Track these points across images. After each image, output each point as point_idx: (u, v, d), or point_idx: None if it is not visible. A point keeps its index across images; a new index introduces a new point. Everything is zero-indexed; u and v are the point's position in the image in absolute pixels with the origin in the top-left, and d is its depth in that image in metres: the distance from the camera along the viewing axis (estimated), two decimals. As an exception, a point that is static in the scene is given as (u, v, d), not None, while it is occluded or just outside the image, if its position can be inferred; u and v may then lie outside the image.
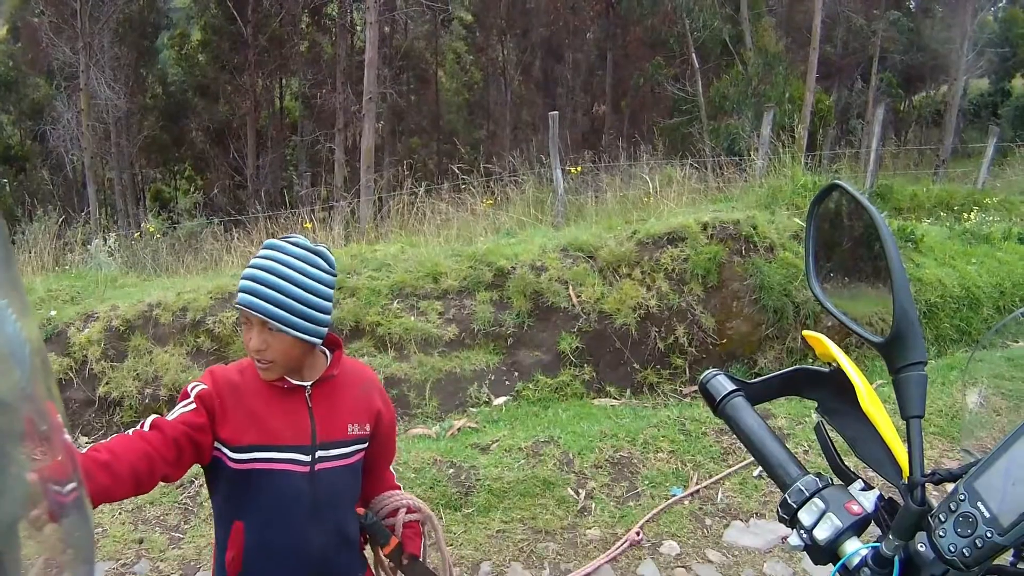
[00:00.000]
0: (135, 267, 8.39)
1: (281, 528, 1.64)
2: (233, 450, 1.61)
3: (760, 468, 1.09)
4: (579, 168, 10.18)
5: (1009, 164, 15.36)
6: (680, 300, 5.52)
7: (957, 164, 20.04)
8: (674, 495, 3.96)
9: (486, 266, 5.63)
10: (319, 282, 1.62)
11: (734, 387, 0.99)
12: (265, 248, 1.63)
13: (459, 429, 4.68)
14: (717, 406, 1.00)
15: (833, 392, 0.97)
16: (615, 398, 5.25)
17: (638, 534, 3.64)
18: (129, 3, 21.25)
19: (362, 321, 5.30)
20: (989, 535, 0.74)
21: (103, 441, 1.46)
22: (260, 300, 1.56)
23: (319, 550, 1.68)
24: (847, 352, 0.98)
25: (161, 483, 1.54)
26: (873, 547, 0.83)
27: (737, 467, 4.17)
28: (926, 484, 0.82)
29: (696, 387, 5.21)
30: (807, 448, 4.20)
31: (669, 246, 5.71)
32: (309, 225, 8.84)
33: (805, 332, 1.07)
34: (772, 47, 19.17)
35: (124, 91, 19.22)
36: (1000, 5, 33.84)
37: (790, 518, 0.88)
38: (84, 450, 1.41)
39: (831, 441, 0.95)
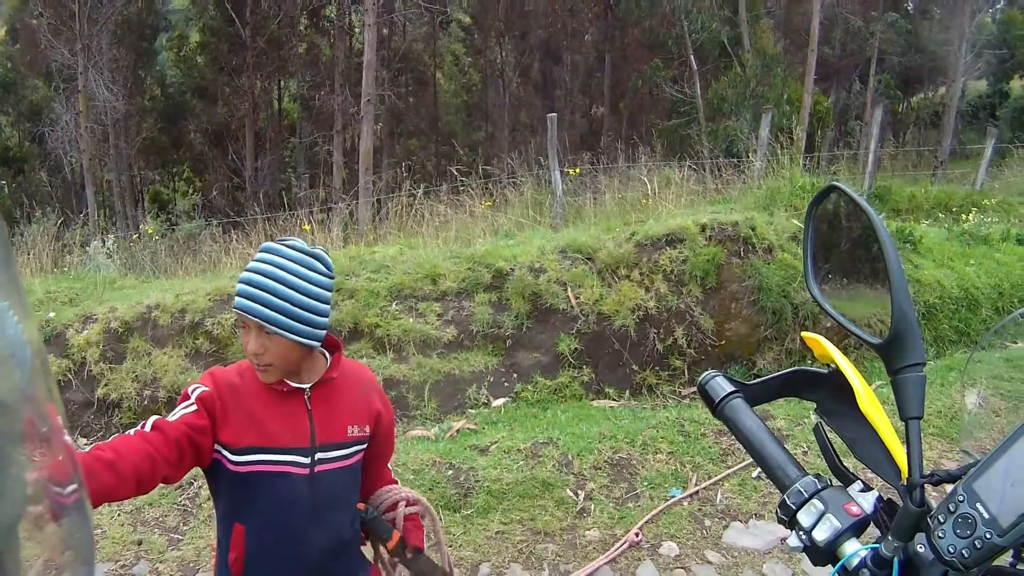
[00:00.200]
0: (134, 269, 8.39)
1: (282, 530, 1.64)
2: (233, 453, 1.61)
3: (759, 469, 1.09)
4: (577, 170, 10.18)
5: (1007, 165, 15.39)
6: (679, 301, 5.52)
7: (955, 165, 20.07)
8: (673, 496, 3.96)
9: (485, 268, 5.63)
10: (316, 285, 1.62)
11: (733, 388, 0.99)
12: (262, 252, 1.63)
13: (458, 430, 4.68)
14: (716, 407, 1.00)
15: (832, 393, 0.98)
16: (614, 399, 5.25)
17: (637, 535, 3.64)
18: (127, 5, 21.24)
19: (361, 323, 5.30)
20: (988, 536, 0.74)
21: (105, 441, 1.46)
22: (257, 304, 1.56)
23: (320, 551, 1.68)
24: (846, 353, 0.98)
25: (160, 484, 1.54)
26: (872, 548, 0.83)
27: (736, 468, 4.17)
28: (925, 485, 0.83)
29: (695, 388, 5.21)
30: (806, 449, 4.20)
31: (668, 247, 5.71)
32: (308, 227, 8.84)
33: (804, 333, 1.07)
34: (770, 49, 19.20)
35: (123, 93, 19.21)
36: (998, 7, 33.91)
37: (789, 519, 0.88)
38: (84, 451, 1.41)
39: (830, 442, 0.95)
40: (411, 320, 5.34)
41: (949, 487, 0.83)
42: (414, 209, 8.88)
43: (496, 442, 4.33)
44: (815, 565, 0.87)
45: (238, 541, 1.65)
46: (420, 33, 25.96)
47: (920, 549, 0.79)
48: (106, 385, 5.15)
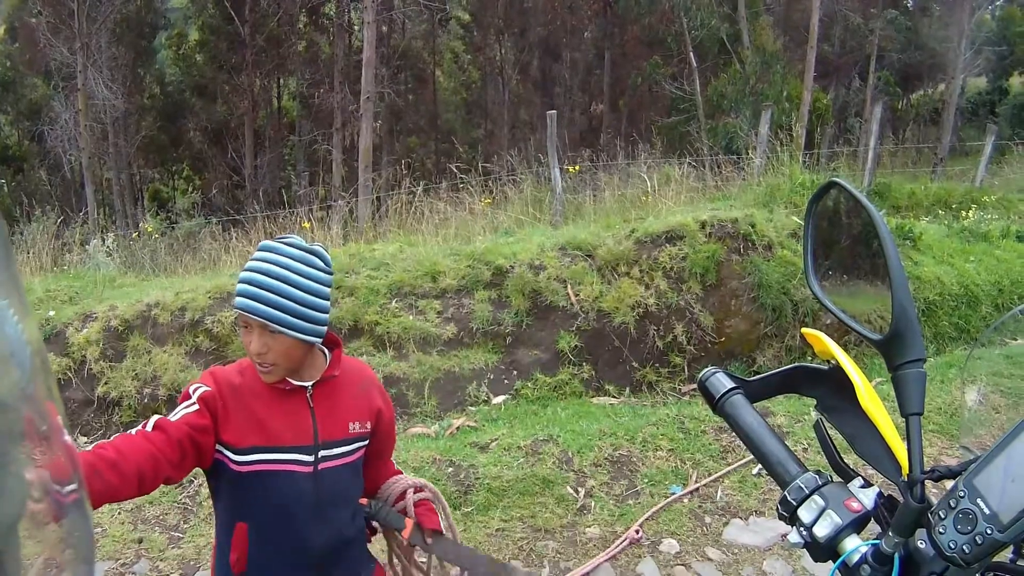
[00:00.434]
0: (133, 267, 8.38)
1: (285, 528, 1.64)
2: (236, 453, 1.60)
3: (759, 466, 1.10)
4: (577, 167, 10.18)
5: (1007, 162, 15.38)
6: (679, 299, 5.52)
7: (955, 162, 20.04)
8: (673, 493, 3.96)
9: (484, 265, 5.63)
10: (317, 282, 1.61)
11: (733, 385, 1.00)
12: (261, 250, 1.62)
13: (458, 428, 4.68)
14: (716, 404, 1.00)
15: (832, 390, 0.98)
16: (614, 396, 5.25)
17: (637, 532, 3.64)
18: (127, 3, 21.21)
19: (361, 320, 5.30)
20: (989, 532, 0.74)
21: (107, 440, 1.45)
22: (259, 303, 1.55)
23: (323, 549, 1.68)
24: (846, 350, 0.98)
25: (162, 484, 1.54)
26: (873, 544, 0.83)
27: (736, 465, 4.18)
28: (925, 481, 0.83)
29: (695, 385, 5.22)
30: (806, 446, 4.20)
31: (667, 245, 5.71)
32: (307, 225, 8.83)
33: (804, 330, 1.07)
34: (770, 46, 19.18)
35: (122, 91, 19.18)
36: (997, 3, 33.90)
37: (790, 515, 0.88)
38: (86, 450, 1.41)
39: (830, 438, 0.95)
40: (411, 318, 5.34)
41: (949, 483, 0.83)
42: (414, 207, 8.88)
43: (496, 439, 4.33)
44: (816, 561, 0.87)
45: (240, 541, 1.64)
46: (419, 30, 25.93)
47: (921, 545, 0.80)
48: (106, 383, 5.15)
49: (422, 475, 3.95)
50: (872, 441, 0.91)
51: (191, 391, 1.60)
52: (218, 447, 1.60)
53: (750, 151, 9.81)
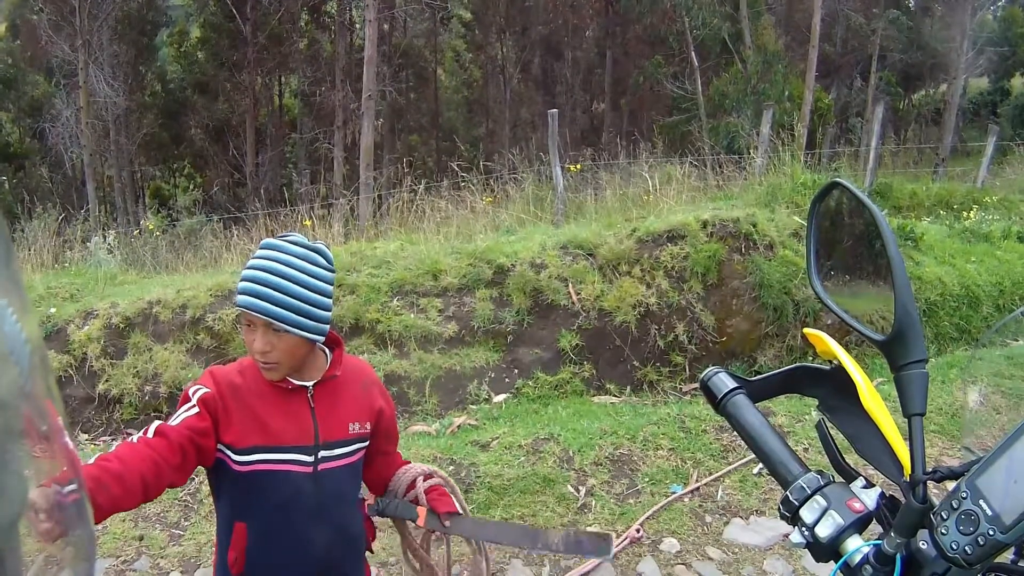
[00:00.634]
0: (135, 264, 8.38)
1: (285, 528, 1.64)
2: (237, 453, 1.60)
3: (760, 465, 1.10)
4: (579, 166, 10.17)
5: (1008, 163, 15.34)
6: (680, 298, 5.52)
7: (956, 163, 20.04)
8: (674, 492, 3.96)
9: (486, 264, 5.63)
10: (320, 280, 1.61)
11: (735, 385, 0.99)
12: (263, 248, 1.62)
13: (459, 426, 4.68)
14: (719, 403, 1.00)
15: (834, 390, 0.98)
16: (615, 395, 5.25)
17: (638, 531, 3.64)
18: (128, 0, 21.23)
19: (362, 318, 5.30)
20: (991, 533, 0.74)
21: (110, 451, 1.45)
22: (263, 301, 1.54)
23: (322, 550, 1.68)
24: (847, 350, 0.98)
25: (167, 488, 1.54)
26: (875, 545, 0.83)
27: (737, 464, 4.18)
28: (928, 482, 0.82)
29: (696, 384, 5.23)
30: (807, 446, 4.20)
31: (669, 244, 5.71)
32: (308, 223, 8.83)
33: (806, 330, 1.07)
34: (771, 45, 19.15)
35: (123, 88, 19.20)
36: (999, 4, 33.86)
37: (792, 515, 0.88)
38: (84, 449, 1.41)
39: (832, 439, 0.95)
40: (412, 316, 5.34)
41: (951, 484, 0.83)
42: (415, 205, 8.87)
43: (497, 438, 4.33)
44: (817, 561, 0.87)
45: (239, 540, 1.64)
46: (421, 29, 25.91)
47: (923, 546, 0.79)
48: (107, 381, 5.15)
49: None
50: (874, 441, 0.91)
51: (190, 393, 1.60)
52: (219, 447, 1.60)
53: (752, 151, 9.80)
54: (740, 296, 5.62)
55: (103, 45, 18.46)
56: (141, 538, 3.74)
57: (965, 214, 8.93)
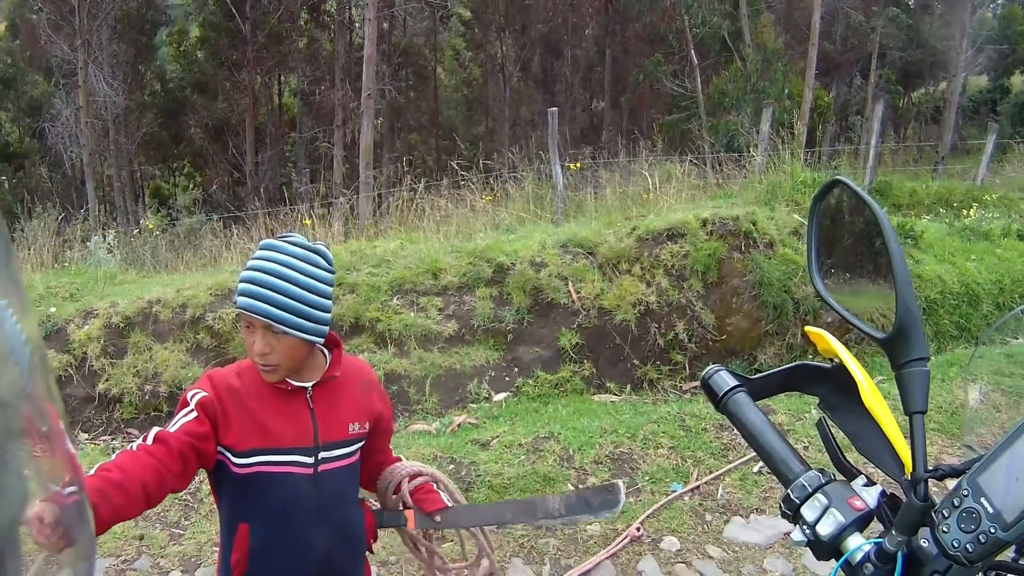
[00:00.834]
0: (134, 264, 8.38)
1: (286, 530, 1.64)
2: (237, 455, 1.59)
3: (761, 464, 1.10)
4: (578, 164, 10.17)
5: (1008, 161, 15.35)
6: (680, 296, 5.52)
7: (956, 161, 20.01)
8: (674, 491, 3.97)
9: (486, 262, 5.62)
10: (320, 281, 1.60)
11: (736, 383, 0.99)
12: (263, 248, 1.60)
13: (459, 425, 4.68)
14: (719, 402, 1.00)
15: (835, 388, 0.98)
16: (615, 394, 5.25)
17: (638, 530, 3.64)
18: (127, 0, 21.22)
19: (362, 317, 5.30)
20: (992, 531, 0.74)
21: (110, 460, 1.45)
22: (263, 303, 1.53)
23: (323, 550, 1.68)
24: (847, 348, 0.98)
25: (168, 494, 1.54)
26: (876, 543, 0.83)
27: (737, 463, 4.18)
28: (929, 480, 0.82)
29: (696, 383, 5.22)
30: (807, 444, 4.20)
31: (669, 242, 5.71)
32: (308, 222, 8.82)
33: (807, 328, 1.07)
34: (771, 43, 19.16)
35: (123, 88, 19.20)
36: (999, 1, 33.88)
37: (793, 514, 0.88)
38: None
39: (833, 437, 0.95)
40: (412, 315, 5.34)
41: (952, 482, 0.83)
42: (415, 204, 8.86)
43: (497, 437, 4.33)
44: (818, 560, 0.87)
45: (242, 541, 1.64)
46: (420, 28, 25.92)
47: (924, 544, 0.79)
48: (107, 380, 5.15)
49: (423, 472, 3.95)
50: (875, 439, 0.91)
51: (189, 397, 1.59)
52: (220, 449, 1.60)
53: (751, 149, 9.80)
54: (740, 294, 5.62)
55: (102, 44, 18.45)
56: (141, 537, 3.74)
57: (965, 212, 8.93)
